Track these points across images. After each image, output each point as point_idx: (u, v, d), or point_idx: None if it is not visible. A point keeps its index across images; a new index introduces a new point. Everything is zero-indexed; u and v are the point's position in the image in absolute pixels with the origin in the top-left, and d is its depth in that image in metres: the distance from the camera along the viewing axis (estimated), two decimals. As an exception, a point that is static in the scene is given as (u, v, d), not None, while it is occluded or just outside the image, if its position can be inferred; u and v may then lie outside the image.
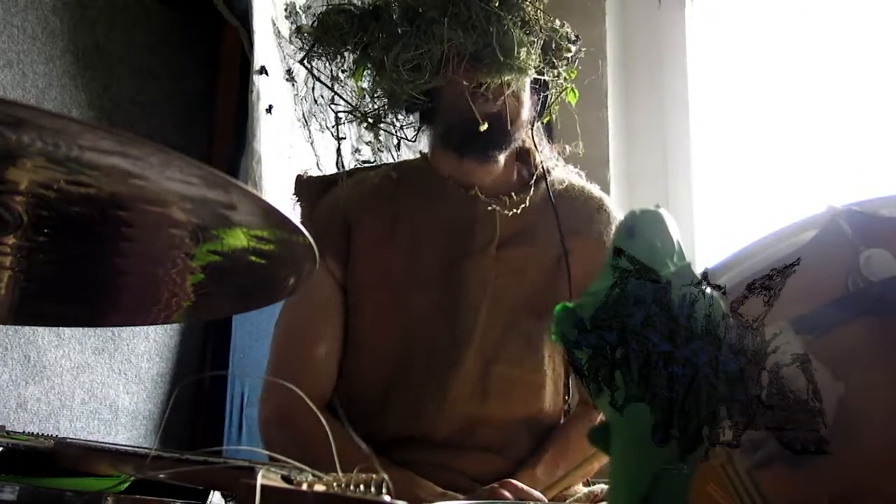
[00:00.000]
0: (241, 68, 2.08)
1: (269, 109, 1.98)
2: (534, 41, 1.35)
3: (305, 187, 1.56)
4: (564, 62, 1.43)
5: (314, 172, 1.62)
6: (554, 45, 1.41)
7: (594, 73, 1.65)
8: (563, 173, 1.53)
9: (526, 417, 1.41)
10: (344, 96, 1.47)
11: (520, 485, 1.26)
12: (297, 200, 1.56)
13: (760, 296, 0.77)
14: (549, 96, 1.46)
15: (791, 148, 2.27)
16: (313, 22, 1.43)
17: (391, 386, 1.40)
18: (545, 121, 1.52)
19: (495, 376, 1.38)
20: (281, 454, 1.42)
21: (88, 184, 0.73)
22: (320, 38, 1.41)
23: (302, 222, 1.55)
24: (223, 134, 2.11)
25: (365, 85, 1.44)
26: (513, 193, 1.45)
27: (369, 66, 1.41)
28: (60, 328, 1.76)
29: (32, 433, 1.02)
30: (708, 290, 0.79)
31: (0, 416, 1.68)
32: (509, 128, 1.37)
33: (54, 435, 1.02)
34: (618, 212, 1.53)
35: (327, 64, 1.44)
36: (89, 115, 1.90)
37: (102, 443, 0.97)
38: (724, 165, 2.40)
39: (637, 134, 2.48)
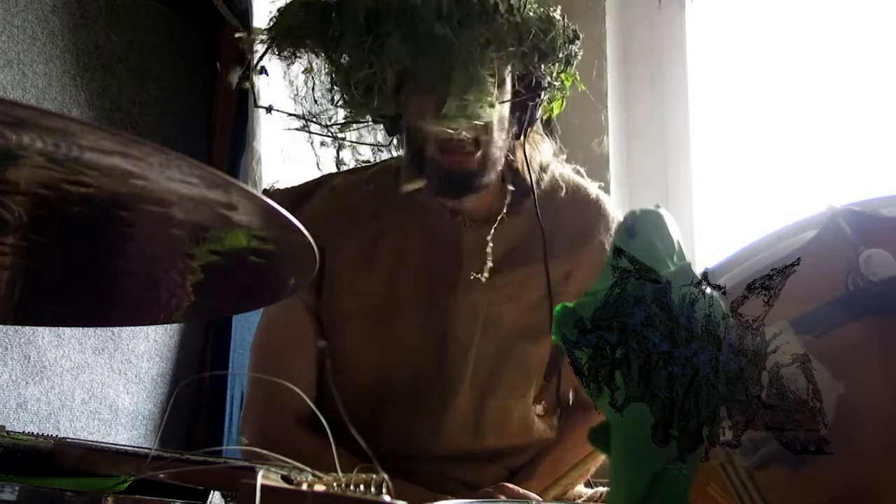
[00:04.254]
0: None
1: (269, 109, 1.98)
2: (501, 66, 1.19)
3: (277, 202, 1.49)
4: (561, 62, 1.26)
5: (290, 180, 1.48)
6: (547, 40, 1.22)
7: (594, 73, 1.63)
8: (560, 171, 1.42)
9: (521, 444, 1.36)
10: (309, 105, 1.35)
11: (515, 487, 1.25)
12: None
13: (760, 296, 0.77)
14: (543, 98, 1.29)
15: (791, 148, 2.27)
16: (270, 20, 1.28)
17: (378, 413, 1.33)
18: (545, 118, 1.37)
19: (491, 410, 1.32)
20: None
21: (88, 184, 0.73)
22: (277, 39, 1.27)
23: None
24: (223, 134, 2.11)
25: (320, 92, 1.31)
26: (504, 216, 1.33)
27: (326, 70, 1.29)
28: (60, 328, 1.76)
29: (32, 433, 1.02)
30: (708, 290, 0.79)
31: (0, 416, 1.68)
32: (479, 171, 1.24)
33: (54, 435, 1.02)
34: (617, 212, 1.43)
35: (287, 67, 1.31)
36: (89, 115, 1.90)
37: (102, 443, 0.97)
38: (724, 165, 2.40)
39: (637, 134, 2.48)
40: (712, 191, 2.40)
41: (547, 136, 1.40)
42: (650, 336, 0.78)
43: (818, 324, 0.77)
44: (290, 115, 1.35)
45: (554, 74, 1.27)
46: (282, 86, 2.06)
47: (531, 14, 1.22)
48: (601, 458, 1.31)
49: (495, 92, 1.18)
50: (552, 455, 1.38)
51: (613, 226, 1.40)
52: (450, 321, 1.31)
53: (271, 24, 1.27)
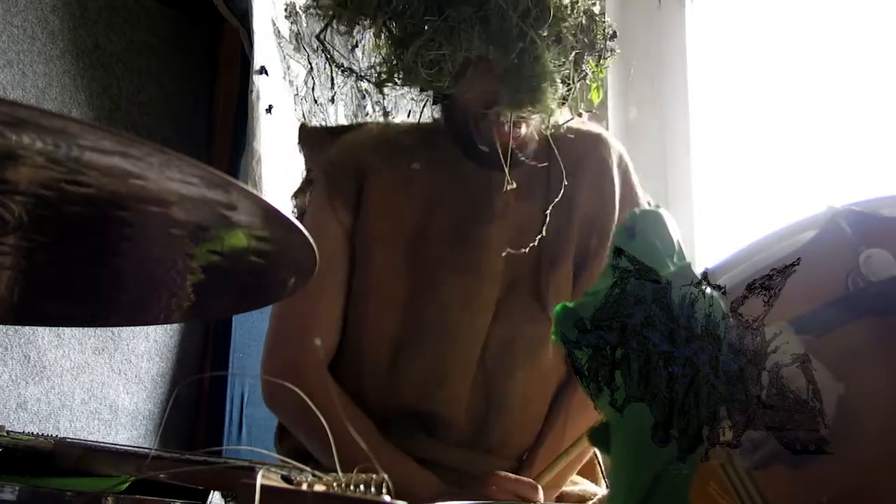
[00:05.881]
0: (241, 68, 2.08)
1: (269, 109, 1.99)
2: (563, 63, 1.26)
3: (311, 134, 1.50)
4: (596, 58, 1.33)
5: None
6: (586, 41, 1.31)
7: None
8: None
9: (538, 379, 1.37)
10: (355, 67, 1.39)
11: (509, 475, 1.25)
12: (303, 148, 1.50)
13: (760, 296, 0.77)
14: (572, 91, 1.36)
15: (791, 148, 2.27)
16: None
17: (402, 344, 1.35)
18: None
19: (518, 338, 1.35)
20: (283, 410, 1.41)
21: (88, 184, 0.73)
22: (338, 9, 1.31)
23: (308, 167, 1.51)
24: (223, 134, 2.11)
25: (379, 51, 1.35)
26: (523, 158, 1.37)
27: (386, 37, 1.33)
28: (60, 328, 1.76)
29: (32, 433, 1.02)
30: (708, 290, 0.79)
31: (0, 416, 1.68)
32: (520, 148, 1.32)
33: (54, 435, 1.01)
34: (616, 142, 1.49)
35: (341, 38, 1.36)
36: (89, 115, 1.90)
37: (102, 443, 0.97)
38: (724, 165, 2.40)
39: (637, 134, 2.48)
40: (712, 191, 2.40)
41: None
42: (650, 336, 0.78)
43: (818, 324, 0.77)
44: (342, 68, 1.39)
45: (593, 66, 1.34)
46: (283, 86, 2.06)
47: (583, 10, 1.30)
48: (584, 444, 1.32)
49: (561, 87, 1.26)
50: (550, 439, 1.37)
51: (614, 152, 1.46)
52: (479, 253, 1.35)
53: None
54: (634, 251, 0.81)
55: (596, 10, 1.33)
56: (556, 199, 1.38)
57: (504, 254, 1.34)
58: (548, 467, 1.29)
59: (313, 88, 1.67)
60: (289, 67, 2.08)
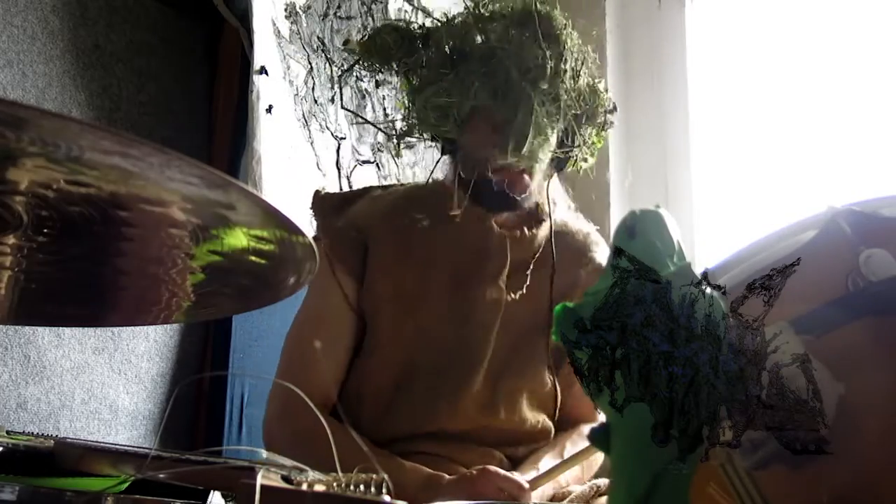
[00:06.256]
0: (241, 68, 2.08)
1: (269, 109, 1.98)
2: (557, 120, 1.40)
3: (323, 202, 1.59)
4: (597, 128, 1.49)
5: (319, 178, 1.67)
6: (587, 109, 1.46)
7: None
8: (566, 217, 1.60)
9: (532, 426, 1.46)
10: (373, 106, 1.55)
11: (498, 471, 1.28)
12: (314, 215, 1.59)
13: (760, 296, 0.77)
14: (574, 155, 1.50)
15: (791, 148, 2.27)
16: (363, 37, 1.50)
17: (397, 390, 1.44)
18: (567, 169, 1.56)
19: (503, 390, 1.43)
20: (281, 447, 1.46)
21: (88, 184, 0.73)
22: (365, 55, 1.48)
23: (316, 237, 1.59)
24: (223, 134, 2.11)
25: (404, 101, 1.51)
26: (525, 228, 1.51)
27: (403, 86, 1.49)
28: (60, 328, 1.76)
29: (32, 433, 1.02)
30: (708, 290, 0.79)
31: (0, 416, 1.68)
32: (522, 193, 1.44)
33: (54, 435, 1.02)
34: (605, 247, 1.60)
35: (364, 78, 1.51)
36: (89, 115, 1.90)
37: (102, 443, 0.97)
38: (724, 165, 2.40)
39: (637, 134, 2.48)
40: (712, 191, 2.40)
41: (566, 189, 1.63)
42: (650, 336, 0.78)
43: (818, 324, 0.77)
44: (365, 121, 1.67)
45: (589, 135, 1.50)
46: (283, 86, 2.07)
47: (586, 82, 1.46)
48: (593, 457, 1.35)
49: (553, 140, 1.41)
50: (551, 447, 1.45)
51: (604, 255, 1.57)
52: (473, 310, 1.44)
53: (365, 38, 1.50)
54: (634, 251, 0.81)
55: (601, 86, 1.48)
56: (565, 274, 1.49)
57: (495, 301, 1.44)
58: (545, 474, 1.33)
59: (313, 88, 1.67)
60: (289, 67, 2.08)
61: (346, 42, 1.64)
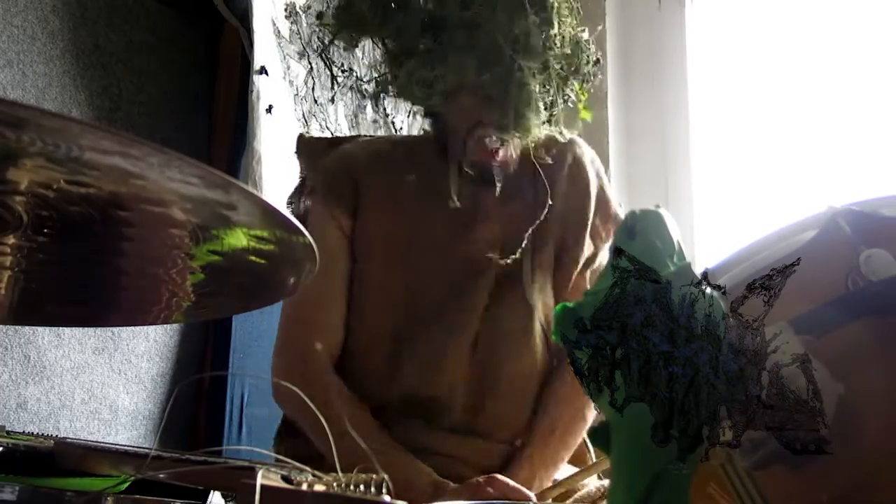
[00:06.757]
0: (241, 68, 2.08)
1: (269, 109, 1.99)
2: (548, 91, 1.34)
3: (309, 144, 1.57)
4: (580, 81, 1.42)
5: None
6: (572, 68, 1.39)
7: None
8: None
9: (526, 366, 1.42)
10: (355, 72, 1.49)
11: (506, 480, 1.28)
12: (300, 158, 1.56)
13: (760, 296, 0.77)
14: (555, 115, 1.43)
15: (791, 148, 2.27)
16: (337, 5, 1.42)
17: (398, 338, 1.41)
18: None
19: (504, 329, 1.40)
20: (291, 409, 1.48)
21: (88, 184, 0.73)
22: (340, 26, 1.41)
23: (304, 177, 1.58)
24: (223, 134, 2.11)
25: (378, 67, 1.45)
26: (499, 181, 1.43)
27: (383, 53, 1.42)
28: (60, 328, 1.76)
29: (32, 433, 1.02)
30: (708, 290, 0.79)
31: (0, 416, 1.68)
32: (500, 168, 1.39)
33: (54, 435, 1.02)
34: (587, 146, 1.55)
35: (342, 51, 1.45)
36: (89, 115, 1.90)
37: (102, 443, 0.97)
38: (724, 165, 2.40)
39: (637, 134, 2.48)
40: (712, 191, 2.40)
41: None
42: (650, 336, 0.78)
43: (818, 324, 0.77)
44: (343, 71, 1.56)
45: (577, 89, 1.42)
46: (283, 86, 2.06)
47: (570, 36, 1.37)
48: (607, 464, 1.34)
49: (543, 112, 1.35)
50: (542, 427, 1.41)
51: (584, 147, 1.54)
52: (469, 248, 1.41)
53: (340, 5, 1.42)
54: (634, 251, 0.81)
55: (584, 35, 1.40)
56: (541, 205, 1.45)
57: (490, 255, 1.41)
58: (553, 486, 1.33)
59: (313, 88, 1.67)
60: (289, 67, 2.08)
61: (319, 15, 1.60)
